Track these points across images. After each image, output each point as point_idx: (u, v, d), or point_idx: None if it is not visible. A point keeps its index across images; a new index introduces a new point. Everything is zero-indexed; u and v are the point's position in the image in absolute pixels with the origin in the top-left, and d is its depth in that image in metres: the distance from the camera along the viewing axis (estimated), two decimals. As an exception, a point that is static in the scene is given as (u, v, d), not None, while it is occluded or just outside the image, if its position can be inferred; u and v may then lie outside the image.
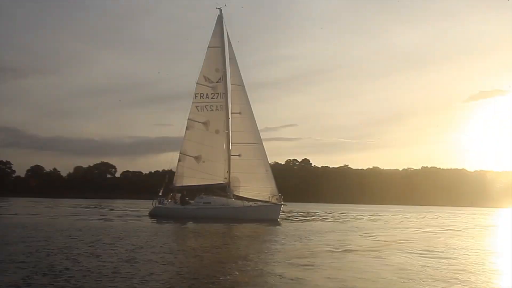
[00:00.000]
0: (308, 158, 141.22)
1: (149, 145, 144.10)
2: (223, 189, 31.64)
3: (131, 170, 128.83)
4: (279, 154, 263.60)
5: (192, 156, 32.01)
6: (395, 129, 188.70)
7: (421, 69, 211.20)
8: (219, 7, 32.57)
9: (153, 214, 32.05)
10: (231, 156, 31.28)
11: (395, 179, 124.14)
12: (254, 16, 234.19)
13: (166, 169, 37.97)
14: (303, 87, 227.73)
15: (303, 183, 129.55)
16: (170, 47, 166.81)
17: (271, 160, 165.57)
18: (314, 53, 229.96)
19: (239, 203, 30.78)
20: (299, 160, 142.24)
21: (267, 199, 30.30)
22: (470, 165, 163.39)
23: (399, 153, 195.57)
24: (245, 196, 30.71)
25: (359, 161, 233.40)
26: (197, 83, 32.14)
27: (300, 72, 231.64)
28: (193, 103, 32.23)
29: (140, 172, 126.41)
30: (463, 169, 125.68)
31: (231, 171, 31.29)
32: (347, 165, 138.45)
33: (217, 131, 31.93)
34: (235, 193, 31.04)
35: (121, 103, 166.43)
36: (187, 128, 32.20)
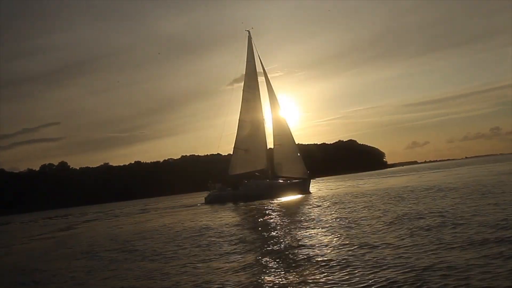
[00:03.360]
0: (65, 161, 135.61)
1: None
2: (264, 173, 39.70)
3: None
4: (38, 158, 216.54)
5: (242, 149, 39.02)
6: (167, 119, 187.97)
7: (188, 56, 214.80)
8: (247, 30, 40.41)
9: (209, 200, 37.72)
10: (275, 145, 39.54)
11: (156, 172, 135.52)
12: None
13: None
14: (65, 82, 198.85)
15: (59, 188, 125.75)
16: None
17: (24, 167, 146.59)
18: (73, 43, 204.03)
19: (278, 182, 39.39)
20: (56, 164, 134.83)
21: (301, 176, 40.00)
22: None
23: (166, 144, 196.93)
24: (287, 175, 39.63)
25: (122, 157, 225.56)
26: (243, 90, 39.17)
27: (60, 65, 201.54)
28: (241, 106, 39.09)
29: None
30: (217, 154, 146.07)
31: (274, 157, 39.48)
32: (108, 163, 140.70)
33: (258, 128, 39.78)
34: (279, 173, 39.43)
35: None
36: (238, 127, 38.91)
